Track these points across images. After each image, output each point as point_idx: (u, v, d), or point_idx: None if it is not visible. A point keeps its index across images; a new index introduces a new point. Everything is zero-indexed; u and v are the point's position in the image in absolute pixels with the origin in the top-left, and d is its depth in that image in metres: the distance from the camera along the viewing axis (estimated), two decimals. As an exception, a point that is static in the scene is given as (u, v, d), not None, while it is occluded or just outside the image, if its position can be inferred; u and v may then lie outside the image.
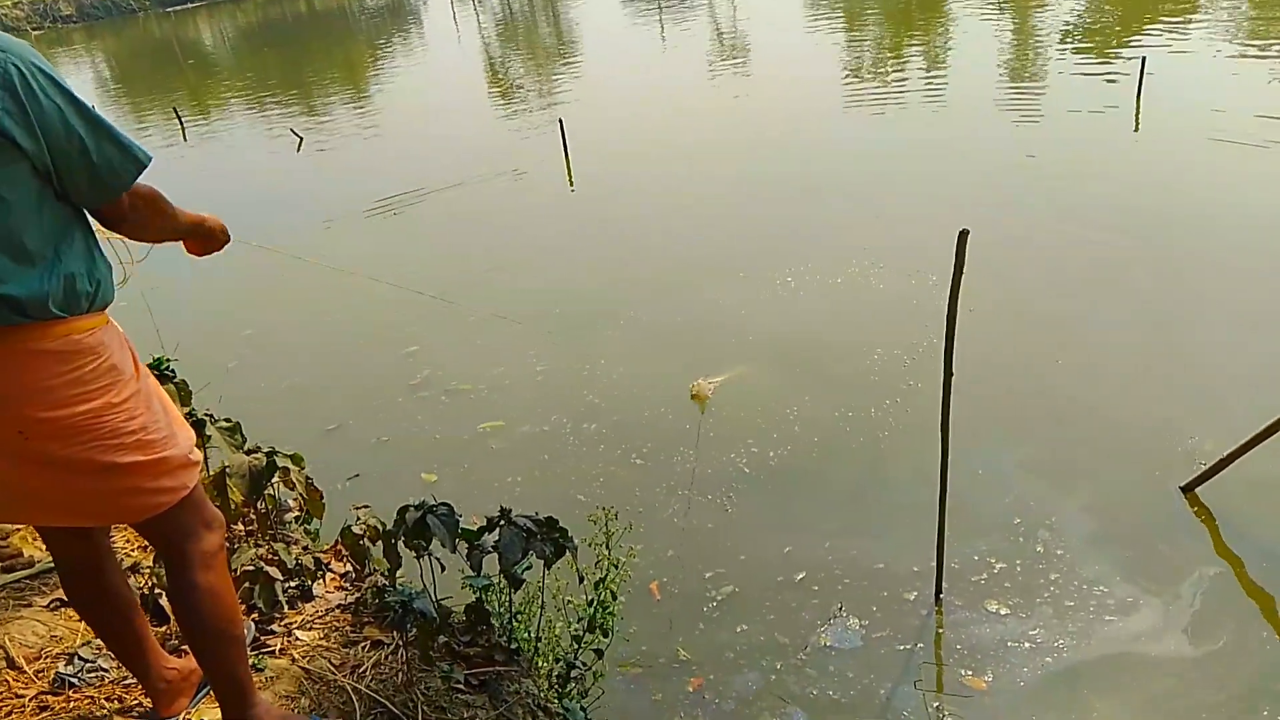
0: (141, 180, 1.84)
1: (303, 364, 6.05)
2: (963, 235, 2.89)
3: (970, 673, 3.16)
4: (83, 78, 23.90)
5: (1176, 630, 3.25)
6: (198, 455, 2.02)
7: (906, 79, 11.85)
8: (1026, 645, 3.24)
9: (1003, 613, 3.39)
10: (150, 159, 1.83)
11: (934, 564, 3.47)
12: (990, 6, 16.05)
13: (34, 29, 34.90)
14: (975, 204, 7.21)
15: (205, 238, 2.15)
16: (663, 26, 19.27)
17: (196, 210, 2.10)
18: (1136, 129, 8.41)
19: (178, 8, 39.32)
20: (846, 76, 12.55)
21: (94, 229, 1.89)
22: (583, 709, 2.80)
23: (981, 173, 7.98)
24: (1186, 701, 2.99)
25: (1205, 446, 4.09)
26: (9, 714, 2.32)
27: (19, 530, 3.18)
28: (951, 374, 3.16)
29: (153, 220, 1.94)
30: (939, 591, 3.47)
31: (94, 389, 1.78)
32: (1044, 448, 4.35)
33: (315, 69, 20.41)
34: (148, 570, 2.80)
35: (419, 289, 5.88)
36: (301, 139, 12.26)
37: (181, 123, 14.00)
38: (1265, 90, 9.14)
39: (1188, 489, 3.89)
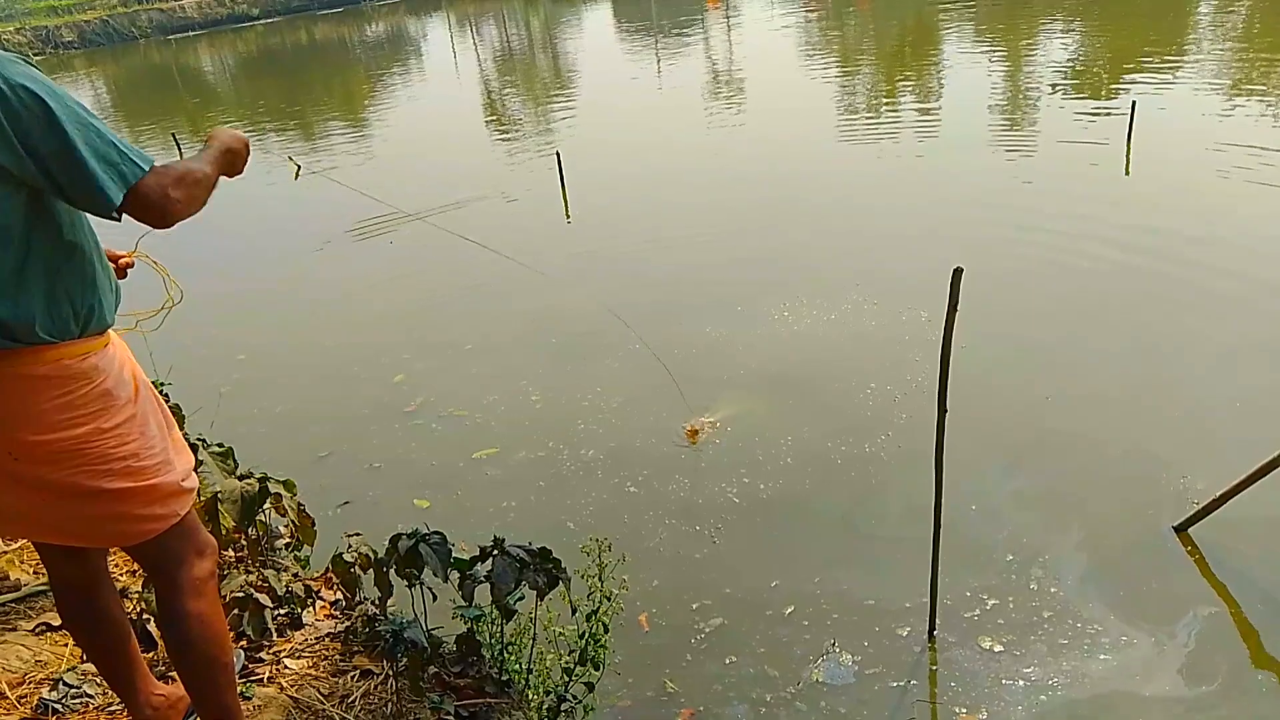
0: (162, 172, 1.73)
1: (295, 390, 6.04)
2: (957, 273, 2.91)
3: (964, 710, 3.14)
4: (83, 102, 24.03)
5: (1171, 670, 3.23)
6: (193, 482, 2.01)
7: (899, 116, 11.99)
8: (1020, 683, 3.22)
9: (997, 650, 3.37)
10: (140, 175, 1.69)
11: (926, 600, 3.45)
12: (981, 48, 16.31)
13: (35, 54, 35.04)
14: (966, 238, 7.27)
15: (231, 162, 2.00)
16: (659, 63, 19.49)
17: (209, 148, 1.95)
18: (1127, 172, 8.51)
19: (179, 35, 39.63)
20: (840, 111, 12.69)
21: (100, 253, 1.86)
22: (573, 743, 2.78)
23: (973, 208, 8.05)
24: (1181, 742, 2.98)
25: (1197, 485, 4.10)
26: (-9, 740, 2.29)
27: (4, 554, 3.15)
28: (945, 411, 3.16)
29: (197, 196, 1.82)
30: (932, 628, 3.46)
31: (84, 414, 1.77)
32: (1037, 482, 4.35)
33: (314, 98, 20.55)
34: (136, 595, 2.77)
35: (414, 319, 5.84)
36: (300, 166, 12.31)
37: (180, 149, 14.06)
38: (1254, 128, 9.28)
39: (1180, 529, 3.89)
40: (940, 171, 9.31)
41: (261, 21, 41.63)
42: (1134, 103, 8.85)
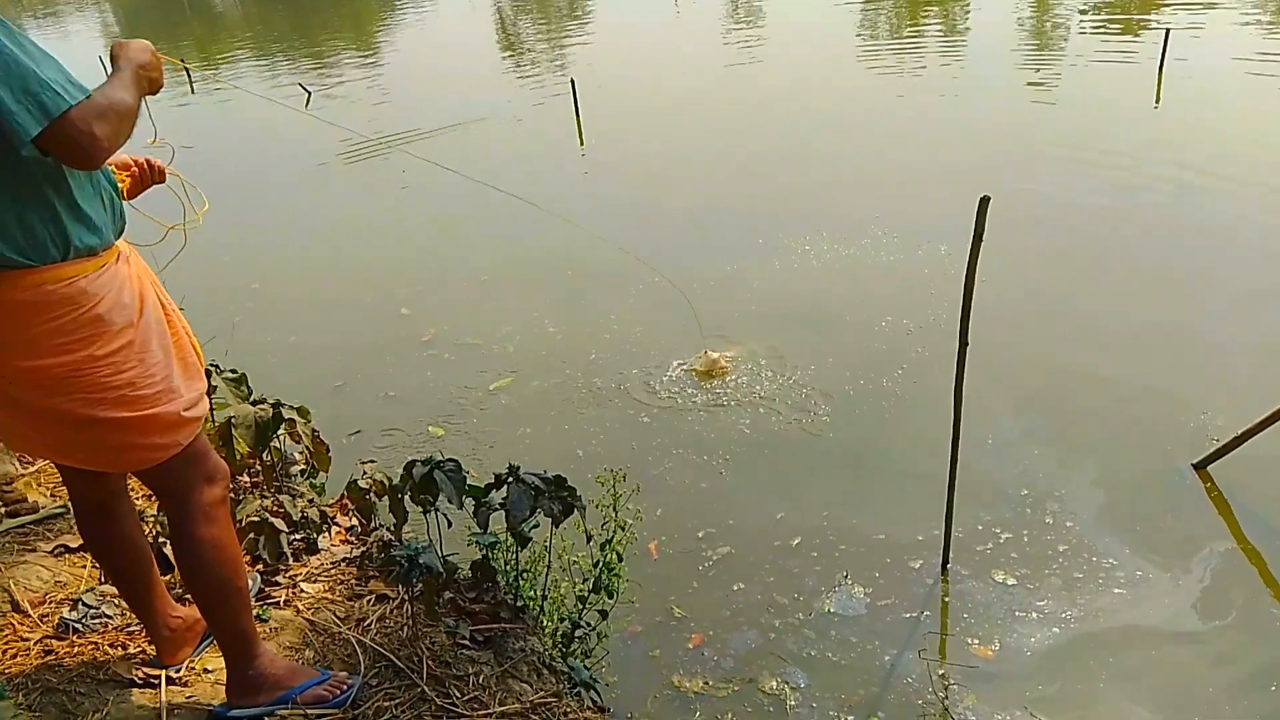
0: (84, 105, 1.59)
1: (308, 320, 6.02)
2: (983, 202, 2.83)
3: (976, 641, 3.15)
4: (89, 25, 23.71)
5: (1186, 605, 3.23)
6: (201, 410, 1.96)
7: (923, 47, 11.68)
8: (1034, 615, 3.22)
9: (1010, 583, 3.37)
10: (62, 109, 1.56)
11: (938, 533, 3.44)
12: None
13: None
14: (988, 173, 7.12)
15: (150, 79, 1.81)
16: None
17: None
18: (1157, 104, 8.28)
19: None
20: (863, 42, 12.38)
21: (81, 174, 1.74)
22: (586, 668, 2.80)
23: (995, 142, 7.89)
24: (1194, 675, 2.98)
25: (1217, 422, 4.05)
26: (14, 657, 2.32)
27: (24, 476, 3.17)
28: (967, 344, 3.11)
29: (122, 130, 1.67)
30: (945, 561, 3.45)
31: (74, 339, 1.73)
32: (1053, 420, 4.31)
33: (324, 24, 20.17)
34: (153, 519, 2.79)
35: (429, 251, 5.76)
36: (310, 94, 12.13)
37: (189, 76, 13.87)
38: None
39: (1199, 466, 3.85)
40: (963, 105, 9.10)
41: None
42: (1167, 31, 8.58)
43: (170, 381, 1.88)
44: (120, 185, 1.94)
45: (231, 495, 2.93)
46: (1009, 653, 3.10)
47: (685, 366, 4.94)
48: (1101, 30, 11.26)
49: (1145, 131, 7.70)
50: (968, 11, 13.62)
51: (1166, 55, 8.44)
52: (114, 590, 2.47)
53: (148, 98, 1.82)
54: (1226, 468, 3.78)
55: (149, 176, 2.10)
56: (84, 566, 2.74)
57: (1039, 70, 9.96)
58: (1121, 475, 3.89)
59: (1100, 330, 4.96)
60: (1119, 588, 3.31)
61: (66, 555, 2.79)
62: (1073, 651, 3.07)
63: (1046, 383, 4.60)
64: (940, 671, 3.06)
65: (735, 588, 3.48)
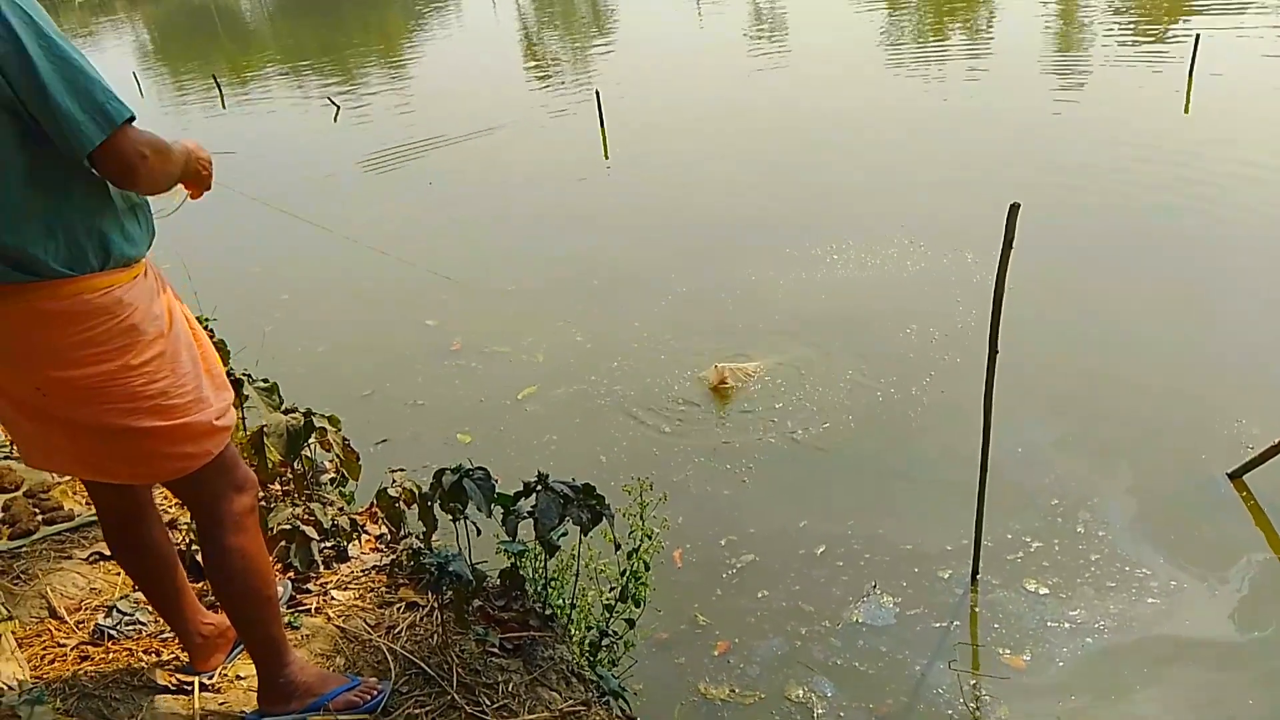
0: (139, 131, 1.64)
1: (338, 329, 6.08)
2: (1013, 209, 2.81)
3: (1008, 651, 3.11)
4: (123, 45, 24.12)
5: (1222, 615, 3.17)
6: (229, 419, 1.97)
7: (947, 52, 11.64)
8: (1066, 625, 3.18)
9: (1042, 592, 3.33)
10: (126, 117, 1.60)
11: (966, 542, 3.41)
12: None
13: (77, -3, 35.29)
14: (1015, 179, 7.08)
15: (195, 175, 1.92)
16: (699, 3, 19.04)
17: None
18: (1187, 110, 8.19)
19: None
20: (886, 49, 12.34)
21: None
22: (614, 676, 2.80)
23: (1022, 148, 7.83)
24: (1232, 688, 2.93)
25: (1252, 430, 3.99)
26: (51, 662, 2.35)
27: (60, 484, 3.22)
28: (996, 351, 3.08)
29: (166, 170, 1.74)
30: (975, 570, 3.42)
31: (109, 349, 1.73)
32: (1084, 427, 4.26)
33: (352, 39, 20.41)
34: (185, 526, 2.82)
35: (454, 261, 5.85)
36: (339, 107, 12.27)
37: (220, 90, 14.07)
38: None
39: (1234, 475, 3.79)
40: (989, 110, 9.05)
41: (299, -39, 41.27)
42: (1197, 36, 8.49)
43: (200, 391, 1.89)
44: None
45: (263, 504, 2.96)
46: (1041, 663, 3.06)
47: (703, 375, 4.92)
48: (1130, 35, 11.15)
49: (1174, 140, 7.62)
50: (993, 17, 13.55)
51: (1196, 62, 8.34)
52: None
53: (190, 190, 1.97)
54: (1263, 476, 3.72)
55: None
56: (118, 573, 2.77)
57: (1066, 76, 9.87)
58: (1154, 483, 3.84)
59: (1131, 337, 4.90)
60: (1153, 597, 3.26)
61: (101, 562, 2.83)
62: (1107, 662, 3.03)
63: (1077, 390, 4.55)
64: (971, 682, 3.03)
65: (760, 595, 3.47)
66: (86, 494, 3.19)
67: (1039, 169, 7.30)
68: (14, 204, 1.61)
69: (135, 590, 2.65)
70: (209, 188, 2.02)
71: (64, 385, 1.73)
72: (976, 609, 3.33)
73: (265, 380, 2.99)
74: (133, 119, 1.62)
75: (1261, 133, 7.47)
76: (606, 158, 9.10)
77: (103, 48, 23.63)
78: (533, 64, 15.50)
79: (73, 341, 1.70)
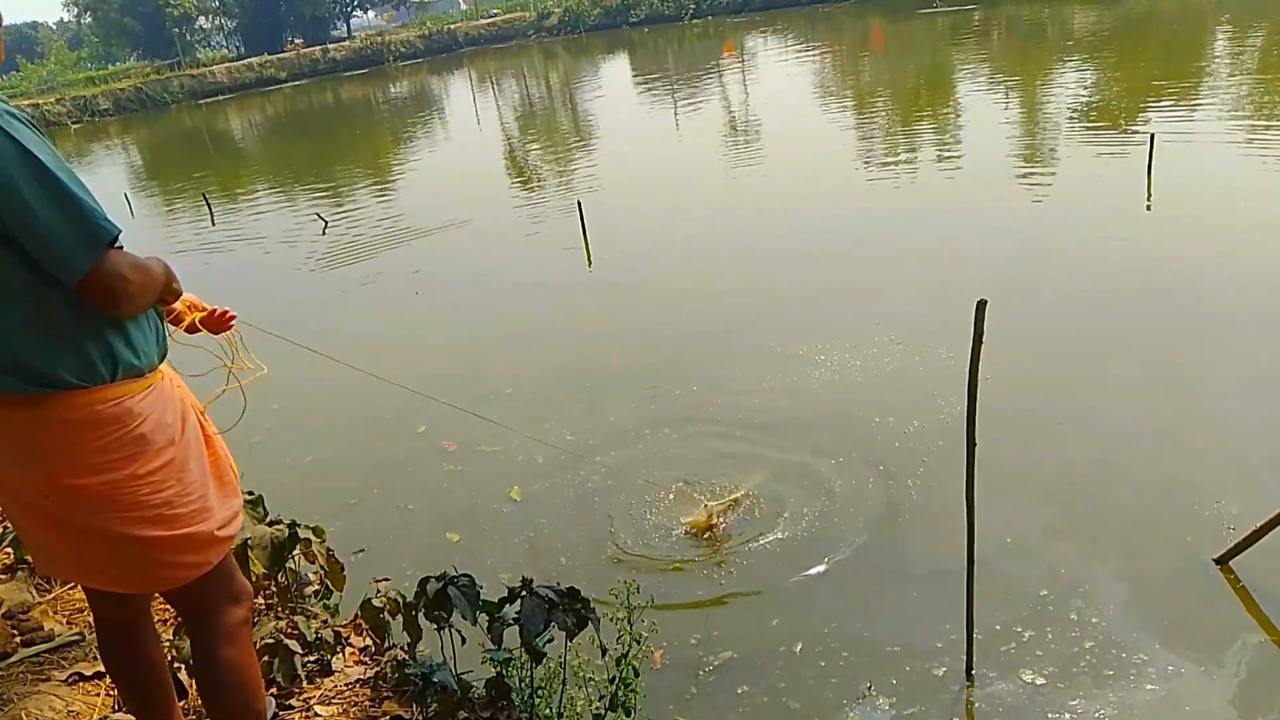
0: (127, 254, 1.71)
1: (327, 438, 6.09)
2: (980, 306, 2.89)
3: (1008, 747, 3.06)
4: (116, 167, 24.68)
5: (1223, 700, 3.14)
6: (232, 530, 1.99)
7: (917, 155, 12.05)
8: (1066, 715, 3.13)
9: (1039, 682, 3.29)
10: (112, 235, 1.66)
11: (956, 637, 3.38)
12: (997, 86, 16.41)
13: (74, 123, 36.25)
14: (986, 274, 7.26)
15: (169, 291, 1.92)
16: (676, 112, 19.73)
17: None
18: (1149, 206, 8.48)
19: (209, 100, 40.74)
20: (858, 153, 12.76)
21: None
22: (606, 787, 2.73)
23: (992, 244, 8.05)
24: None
25: (1232, 510, 4.02)
26: (25, 789, 2.29)
27: (40, 604, 3.17)
28: (974, 444, 3.12)
29: (147, 291, 1.78)
30: (970, 665, 3.38)
31: (118, 458, 1.77)
32: (1069, 514, 4.26)
33: (340, 156, 20.97)
34: (168, 643, 2.78)
35: (441, 369, 5.90)
36: (326, 222, 12.52)
37: (210, 207, 14.36)
38: (1276, 159, 9.25)
39: (1221, 561, 3.80)
40: (959, 209, 9.33)
41: (289, 84, 42.74)
42: (1152, 136, 8.84)
43: (206, 500, 1.92)
44: (191, 317, 2.12)
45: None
46: (1043, 757, 3.00)
47: (690, 520, 4.59)
48: (1091, 134, 11.61)
49: (1139, 228, 7.88)
50: (960, 119, 14.08)
51: (1154, 159, 8.68)
52: (128, 718, 2.44)
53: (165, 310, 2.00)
54: (1250, 559, 3.72)
55: (218, 322, 2.25)
56: (97, 695, 2.72)
57: (1032, 176, 10.22)
58: (1143, 568, 3.84)
59: (1111, 424, 4.96)
60: (1151, 684, 3.22)
61: (80, 683, 2.77)
62: (1107, 753, 2.98)
63: (1062, 478, 4.58)
64: (974, 780, 2.96)
65: (740, 690, 3.41)
66: (69, 614, 3.15)
67: (1012, 265, 7.49)
68: (27, 321, 1.68)
69: (115, 712, 2.60)
70: (229, 328, 2.21)
71: (73, 493, 1.76)
72: (975, 703, 3.28)
73: (250, 492, 3.00)
74: (113, 242, 1.68)
75: (1220, 219, 7.74)
76: (590, 265, 9.29)
77: (99, 173, 24.17)
78: (515, 172, 15.94)
79: (84, 450, 1.75)
